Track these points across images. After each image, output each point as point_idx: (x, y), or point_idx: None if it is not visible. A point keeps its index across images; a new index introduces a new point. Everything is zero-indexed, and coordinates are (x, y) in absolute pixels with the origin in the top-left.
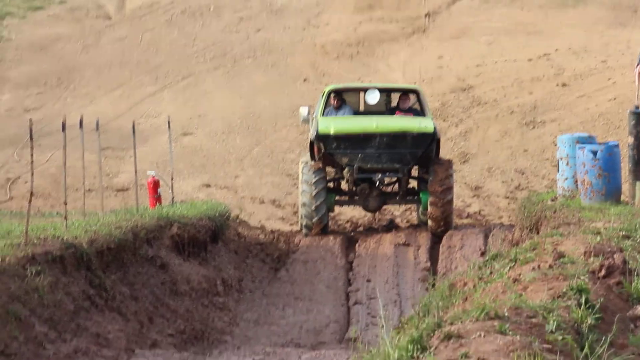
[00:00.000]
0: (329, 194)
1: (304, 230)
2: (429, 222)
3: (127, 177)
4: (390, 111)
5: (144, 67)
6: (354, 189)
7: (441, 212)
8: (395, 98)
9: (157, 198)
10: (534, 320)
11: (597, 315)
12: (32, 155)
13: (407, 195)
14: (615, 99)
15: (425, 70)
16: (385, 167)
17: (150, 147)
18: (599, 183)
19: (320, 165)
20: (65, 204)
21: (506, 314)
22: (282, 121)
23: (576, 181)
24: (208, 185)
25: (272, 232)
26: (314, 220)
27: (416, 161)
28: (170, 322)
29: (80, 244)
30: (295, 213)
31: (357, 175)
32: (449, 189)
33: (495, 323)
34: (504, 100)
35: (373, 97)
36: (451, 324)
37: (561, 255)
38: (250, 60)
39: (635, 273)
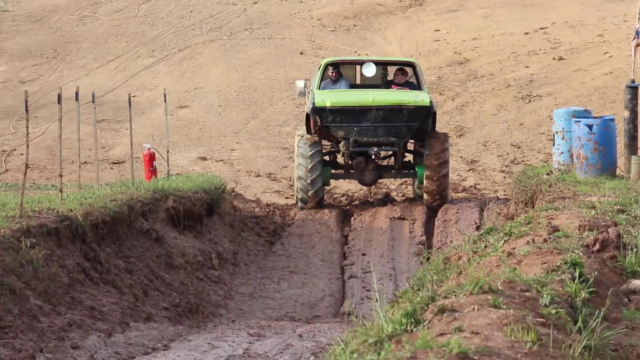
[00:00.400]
0: (325, 168)
1: (299, 204)
2: (425, 196)
3: (122, 149)
4: (387, 84)
5: (141, 39)
6: (349, 162)
7: (437, 186)
8: (391, 71)
9: (152, 171)
10: (527, 294)
11: (590, 289)
12: (27, 127)
13: (403, 169)
14: (611, 72)
15: (421, 43)
16: (381, 140)
17: (146, 119)
18: (594, 157)
19: (316, 138)
20: (61, 176)
21: (500, 288)
22: (278, 94)
23: (572, 155)
24: (204, 158)
25: (268, 205)
26: (310, 193)
27: (412, 135)
28: (165, 296)
29: (75, 216)
30: (291, 186)
31: (352, 149)
32: (445, 162)
33: (489, 297)
34: (500, 73)
35: (369, 70)
36: (445, 297)
37: (556, 229)
38: (247, 32)
39: (630, 247)
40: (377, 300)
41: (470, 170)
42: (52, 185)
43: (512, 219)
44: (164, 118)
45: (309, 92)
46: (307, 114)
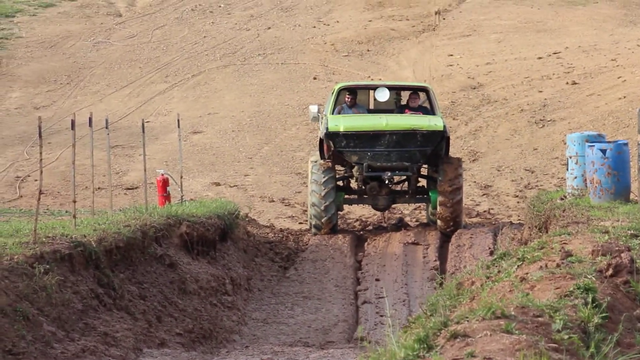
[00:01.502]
0: (338, 193)
1: (313, 230)
2: (438, 222)
3: (136, 175)
4: (400, 109)
5: (154, 65)
6: (363, 187)
7: (450, 212)
8: (405, 96)
9: (166, 196)
10: (540, 319)
11: (603, 315)
12: (41, 153)
13: (417, 194)
14: (625, 97)
15: (435, 68)
16: (395, 165)
17: (160, 145)
18: (608, 182)
19: (330, 164)
20: (75, 202)
21: (512, 313)
22: (292, 120)
23: (585, 180)
24: (217, 184)
25: (281, 230)
26: (323, 220)
27: (426, 159)
28: (178, 321)
29: (88, 242)
30: (305, 212)
31: (366, 174)
32: (459, 188)
33: (502, 322)
34: (513, 98)
35: (383, 95)
36: (457, 323)
37: (569, 254)
38: (260, 58)
39: None
40: (390, 326)
41: (484, 195)
42: (66, 211)
43: (526, 244)
44: (178, 143)
45: (322, 117)
46: (320, 139)
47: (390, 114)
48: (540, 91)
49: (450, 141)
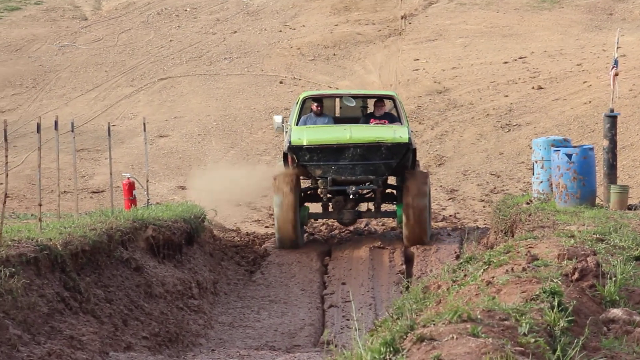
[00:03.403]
0: (303, 208)
1: (277, 243)
2: (404, 233)
3: (102, 179)
4: (366, 117)
5: (120, 69)
6: (328, 201)
7: (416, 228)
8: (371, 104)
9: (132, 200)
10: (506, 322)
11: (569, 318)
12: (6, 156)
13: (385, 203)
14: (590, 102)
15: (401, 72)
16: (360, 178)
17: (126, 149)
18: (573, 186)
19: (294, 177)
20: (40, 205)
21: (479, 317)
22: (258, 123)
23: (551, 184)
24: (183, 187)
25: (248, 234)
26: (288, 234)
27: (391, 172)
28: (144, 325)
29: (54, 245)
30: (271, 215)
31: (330, 187)
32: (424, 206)
33: (468, 325)
34: (479, 103)
35: (350, 101)
36: (424, 326)
37: (535, 258)
38: (226, 62)
39: (608, 276)
40: (356, 330)
41: (449, 199)
42: (32, 215)
43: (492, 248)
44: (144, 147)
45: (286, 128)
46: (284, 152)
47: (355, 125)
48: (506, 96)
49: (417, 146)
